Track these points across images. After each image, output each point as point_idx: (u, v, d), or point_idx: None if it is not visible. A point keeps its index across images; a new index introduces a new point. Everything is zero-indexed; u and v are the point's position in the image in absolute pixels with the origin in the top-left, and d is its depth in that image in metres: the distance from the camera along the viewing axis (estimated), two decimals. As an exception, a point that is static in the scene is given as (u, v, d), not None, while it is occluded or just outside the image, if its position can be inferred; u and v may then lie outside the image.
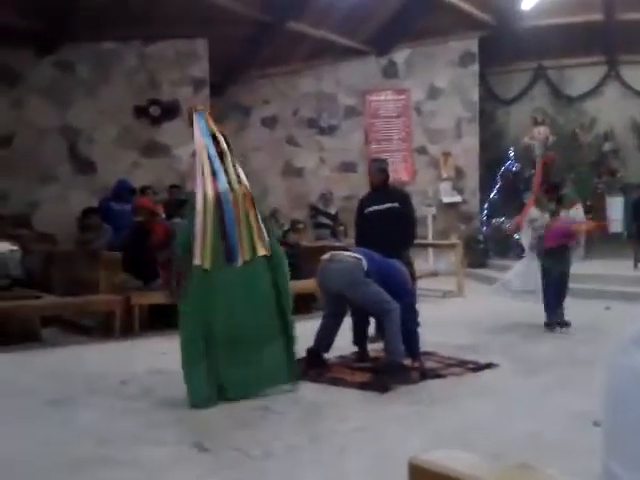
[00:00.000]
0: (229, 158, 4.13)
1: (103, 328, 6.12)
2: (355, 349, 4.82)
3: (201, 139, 4.10)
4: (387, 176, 5.75)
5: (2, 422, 3.52)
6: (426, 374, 4.29)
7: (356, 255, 4.33)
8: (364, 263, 4.23)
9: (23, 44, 8.56)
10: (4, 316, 5.71)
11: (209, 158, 4.01)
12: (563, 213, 6.67)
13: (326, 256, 4.48)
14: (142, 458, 2.95)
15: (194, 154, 4.22)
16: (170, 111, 9.35)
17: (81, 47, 8.90)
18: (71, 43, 8.79)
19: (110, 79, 9.10)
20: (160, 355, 5.26)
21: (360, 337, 4.76)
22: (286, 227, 9.13)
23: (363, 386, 4.01)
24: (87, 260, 7.03)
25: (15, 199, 8.55)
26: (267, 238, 4.04)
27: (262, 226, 4.05)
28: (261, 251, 3.96)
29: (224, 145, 4.16)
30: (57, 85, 8.86)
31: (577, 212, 6.61)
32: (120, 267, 6.41)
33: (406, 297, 4.36)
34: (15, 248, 6.21)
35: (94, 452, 3.04)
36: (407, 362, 4.32)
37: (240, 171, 4.15)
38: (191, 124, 4.25)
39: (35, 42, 8.63)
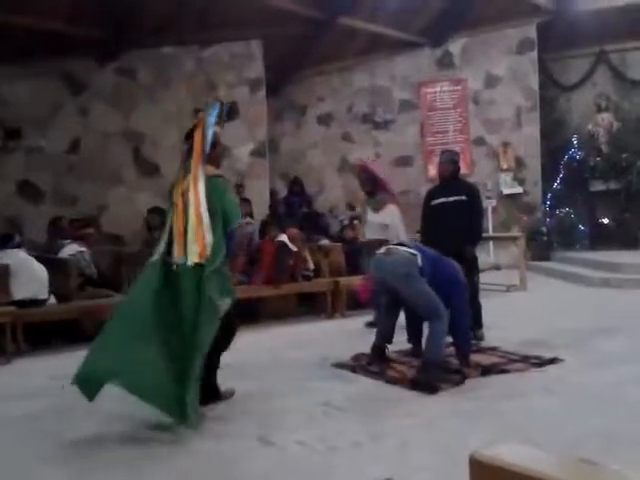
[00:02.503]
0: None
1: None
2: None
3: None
4: (457, 168, 5.63)
5: (78, 418, 3.71)
6: (489, 370, 4.25)
7: (411, 251, 4.32)
8: (419, 259, 4.22)
9: (86, 53, 8.93)
10: (79, 314, 6.01)
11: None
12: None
13: (382, 250, 4.49)
14: (209, 451, 3.06)
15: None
16: (228, 112, 9.54)
17: (141, 53, 9.20)
18: (132, 50, 9.09)
19: (170, 83, 9.37)
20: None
21: (414, 334, 4.75)
22: (345, 222, 9.19)
23: (413, 385, 3.98)
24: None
25: (84, 202, 8.94)
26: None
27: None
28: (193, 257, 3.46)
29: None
30: (120, 91, 9.19)
31: (384, 215, 6.15)
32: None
33: (459, 294, 4.29)
34: (83, 249, 6.47)
35: (165, 445, 3.17)
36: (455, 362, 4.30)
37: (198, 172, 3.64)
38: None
39: (98, 50, 8.98)
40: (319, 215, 10.12)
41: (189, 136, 3.77)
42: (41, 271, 5.82)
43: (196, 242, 3.47)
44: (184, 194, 3.60)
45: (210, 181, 3.63)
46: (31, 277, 5.73)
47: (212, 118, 3.74)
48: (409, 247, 4.42)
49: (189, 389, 3.31)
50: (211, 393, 3.73)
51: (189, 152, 3.73)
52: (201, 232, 3.48)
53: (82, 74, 9.07)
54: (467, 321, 4.39)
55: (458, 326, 4.19)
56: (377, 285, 4.60)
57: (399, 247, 4.46)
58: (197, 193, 3.54)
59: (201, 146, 3.68)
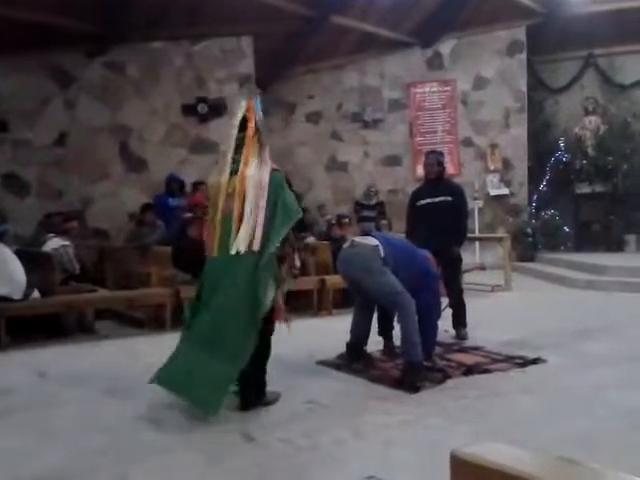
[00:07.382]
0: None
1: (154, 321, 6.31)
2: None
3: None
4: (443, 169, 5.66)
5: (62, 410, 3.69)
6: (472, 369, 4.27)
7: (374, 242, 4.24)
8: (380, 250, 4.15)
9: (75, 46, 8.83)
10: (61, 309, 5.96)
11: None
12: None
13: (347, 243, 4.45)
14: (193, 446, 3.05)
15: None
16: (217, 108, 9.51)
17: (131, 47, 9.13)
18: (121, 44, 9.02)
19: (159, 78, 9.31)
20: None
21: (384, 328, 4.75)
22: (334, 221, 9.18)
23: (395, 384, 3.98)
24: (138, 255, 7.25)
25: (69, 196, 8.86)
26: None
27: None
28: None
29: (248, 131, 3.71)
30: (108, 85, 9.12)
31: None
32: (170, 261, 6.58)
33: (428, 287, 4.24)
34: (67, 243, 6.40)
35: (149, 439, 3.16)
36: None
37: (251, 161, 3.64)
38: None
39: (86, 44, 8.89)
40: (305, 212, 10.08)
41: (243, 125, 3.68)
42: (19, 273, 5.71)
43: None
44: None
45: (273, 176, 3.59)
46: (7, 277, 5.63)
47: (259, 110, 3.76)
48: (374, 238, 4.34)
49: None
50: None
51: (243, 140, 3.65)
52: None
53: (70, 67, 8.98)
54: (435, 317, 4.35)
55: (425, 325, 4.10)
56: (345, 281, 4.54)
57: (364, 239, 4.39)
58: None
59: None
